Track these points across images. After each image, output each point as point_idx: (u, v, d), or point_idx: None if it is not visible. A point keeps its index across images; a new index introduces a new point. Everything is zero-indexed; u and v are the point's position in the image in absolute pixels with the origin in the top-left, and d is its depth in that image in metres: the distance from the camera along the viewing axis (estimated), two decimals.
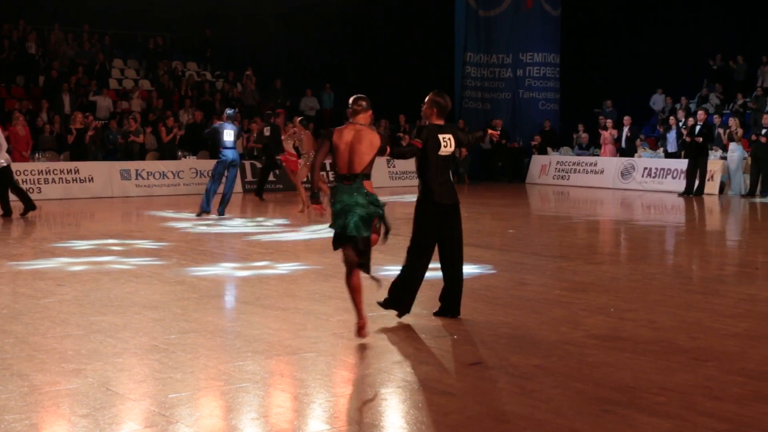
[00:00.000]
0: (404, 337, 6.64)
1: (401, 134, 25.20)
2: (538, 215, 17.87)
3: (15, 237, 13.29)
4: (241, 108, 24.66)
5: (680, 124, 22.18)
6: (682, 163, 21.41)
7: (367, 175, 6.47)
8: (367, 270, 6.44)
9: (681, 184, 21.15)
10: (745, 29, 26.27)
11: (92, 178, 20.44)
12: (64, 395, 5.12)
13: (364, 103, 6.56)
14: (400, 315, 7.15)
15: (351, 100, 6.62)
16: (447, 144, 6.97)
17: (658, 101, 26.83)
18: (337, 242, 6.52)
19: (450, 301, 7.17)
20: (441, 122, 7.04)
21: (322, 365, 5.84)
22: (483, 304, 7.79)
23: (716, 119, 23.24)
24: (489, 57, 28.49)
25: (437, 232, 6.97)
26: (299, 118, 17.32)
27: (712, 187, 20.97)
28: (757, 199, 19.86)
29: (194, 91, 25.73)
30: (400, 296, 7.07)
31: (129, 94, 24.59)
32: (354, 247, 6.38)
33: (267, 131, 20.02)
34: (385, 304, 7.15)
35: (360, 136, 6.44)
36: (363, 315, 6.40)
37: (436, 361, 5.96)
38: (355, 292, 6.41)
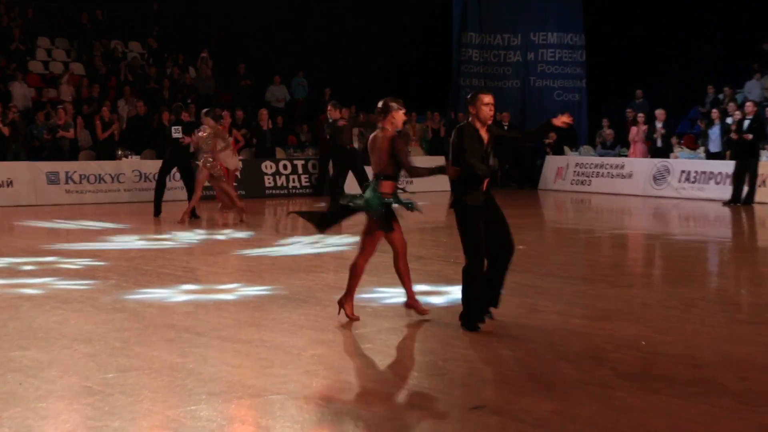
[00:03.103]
0: (392, 375, 6.62)
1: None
2: (554, 228, 17.90)
3: None
4: (194, 98, 24.66)
5: (726, 119, 22.28)
6: (728, 166, 21.49)
7: (385, 176, 8.09)
8: (318, 224, 8.47)
9: (726, 191, 21.22)
10: None
11: (11, 182, 20.35)
12: None
13: (393, 105, 8.21)
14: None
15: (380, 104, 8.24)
16: None
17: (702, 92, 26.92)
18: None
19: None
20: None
21: (292, 410, 5.81)
22: (487, 336, 7.78)
23: None
24: (493, 37, 28.58)
25: None
26: (204, 110, 17.08)
27: (764, 194, 21.06)
28: None
29: (137, 77, 25.69)
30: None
31: (57, 80, 24.52)
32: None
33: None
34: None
35: (375, 139, 8.17)
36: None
37: (430, 404, 5.95)
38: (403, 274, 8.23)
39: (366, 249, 8.27)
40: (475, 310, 7.95)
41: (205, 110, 16.98)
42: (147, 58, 27.19)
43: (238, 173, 20.39)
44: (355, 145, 24.65)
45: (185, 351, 7.33)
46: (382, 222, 8.11)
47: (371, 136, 8.25)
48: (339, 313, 8.36)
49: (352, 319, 8.22)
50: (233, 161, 18.02)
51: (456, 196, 7.93)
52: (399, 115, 8.20)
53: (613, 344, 7.51)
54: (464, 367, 6.83)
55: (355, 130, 24.57)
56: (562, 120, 8.08)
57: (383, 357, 7.14)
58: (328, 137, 18.65)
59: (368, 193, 8.13)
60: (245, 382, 6.42)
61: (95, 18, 27.31)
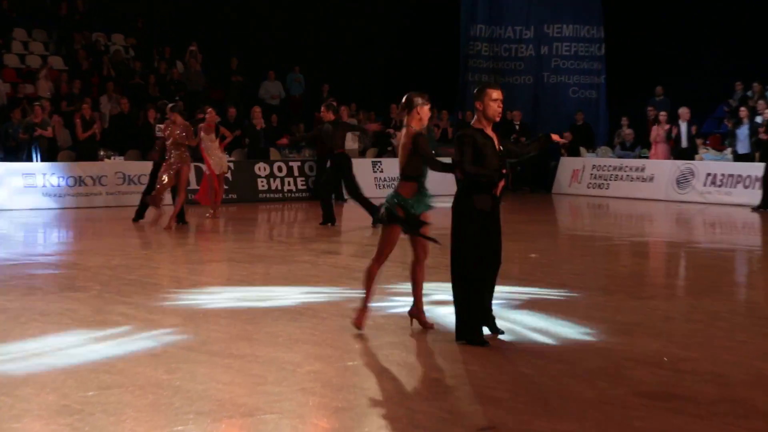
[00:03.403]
0: (394, 393, 6.61)
1: (391, 130, 25.24)
2: (569, 235, 17.90)
3: None
4: (182, 95, 24.68)
5: (756, 117, 22.26)
6: (757, 168, 21.49)
7: (406, 176, 8.19)
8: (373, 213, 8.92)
9: (756, 195, 21.23)
10: None
11: None
12: None
13: (418, 100, 8.28)
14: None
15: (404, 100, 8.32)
16: None
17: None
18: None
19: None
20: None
21: (286, 430, 5.80)
22: (496, 352, 7.77)
23: None
24: (503, 30, 28.62)
25: None
26: (170, 105, 17.07)
27: None
28: None
29: (120, 72, 25.71)
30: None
31: (34, 75, 24.55)
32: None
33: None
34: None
35: (399, 137, 8.41)
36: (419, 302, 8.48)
37: (436, 425, 5.94)
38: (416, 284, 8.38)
39: (379, 253, 8.36)
40: (477, 322, 7.94)
41: (170, 105, 16.96)
42: (131, 52, 27.22)
43: (228, 175, 20.42)
44: (355, 146, 24.74)
45: (172, 367, 7.32)
46: (404, 225, 8.15)
47: (399, 134, 8.38)
48: (411, 324, 8.53)
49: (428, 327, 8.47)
50: (221, 163, 18.03)
51: (461, 198, 7.92)
52: (424, 111, 8.23)
53: (632, 361, 7.50)
54: (472, 385, 6.82)
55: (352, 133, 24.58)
56: (563, 138, 8.11)
57: (385, 373, 7.13)
58: (314, 141, 18.60)
59: (389, 193, 8.26)
60: (236, 400, 6.42)
61: (75, 8, 27.36)
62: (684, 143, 23.93)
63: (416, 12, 29.39)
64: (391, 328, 8.61)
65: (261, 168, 23.19)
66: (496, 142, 7.99)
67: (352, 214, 20.26)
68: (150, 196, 16.49)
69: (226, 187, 22.05)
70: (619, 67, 28.09)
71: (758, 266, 13.91)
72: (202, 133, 17.57)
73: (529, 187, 26.41)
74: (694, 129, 24.05)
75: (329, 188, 17.55)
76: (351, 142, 24.37)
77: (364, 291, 8.39)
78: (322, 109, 17.49)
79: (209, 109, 18.43)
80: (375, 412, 6.22)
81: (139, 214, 17.27)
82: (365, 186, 23.69)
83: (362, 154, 25.35)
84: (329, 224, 16.95)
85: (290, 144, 22.42)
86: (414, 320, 8.54)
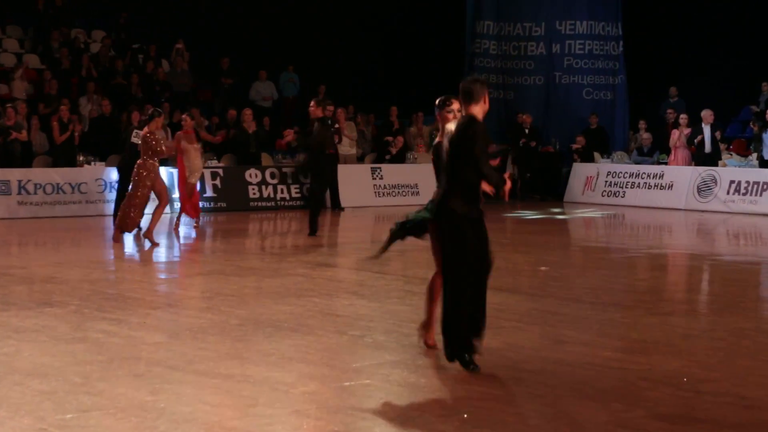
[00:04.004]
0: (394, 415, 6.62)
1: (390, 138, 25.24)
2: (582, 246, 17.91)
3: None
4: (167, 96, 24.72)
5: None
6: None
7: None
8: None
9: None
10: None
11: None
12: None
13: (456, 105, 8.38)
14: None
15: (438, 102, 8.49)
16: None
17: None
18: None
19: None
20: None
21: None
22: (505, 370, 7.78)
23: None
24: (512, 26, 28.63)
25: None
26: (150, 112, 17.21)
27: None
28: None
29: (102, 71, 25.74)
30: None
31: (9, 75, 24.58)
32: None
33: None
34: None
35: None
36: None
37: None
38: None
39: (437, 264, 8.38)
40: (463, 336, 7.87)
41: (151, 110, 16.97)
42: (113, 49, 27.22)
43: (216, 182, 20.41)
44: (353, 151, 24.76)
45: (156, 388, 7.34)
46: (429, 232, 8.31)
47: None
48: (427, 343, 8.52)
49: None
50: (194, 171, 17.83)
51: (446, 205, 7.93)
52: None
53: (649, 381, 7.51)
54: (478, 406, 6.83)
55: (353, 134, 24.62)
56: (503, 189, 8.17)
57: (385, 395, 7.14)
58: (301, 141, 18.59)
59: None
60: (225, 423, 6.43)
61: (53, 2, 27.35)
62: (707, 148, 23.80)
63: (418, 7, 29.43)
64: (391, 346, 8.63)
65: (252, 174, 23.19)
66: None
67: (348, 224, 20.29)
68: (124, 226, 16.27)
69: (214, 194, 22.11)
70: (637, 66, 28.10)
71: None
72: (184, 142, 17.59)
73: (540, 195, 26.42)
74: (718, 134, 23.98)
75: (319, 192, 17.51)
76: (349, 147, 24.41)
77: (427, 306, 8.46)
78: (311, 104, 17.28)
79: (184, 116, 18.51)
80: None
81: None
82: (365, 194, 23.86)
83: (360, 159, 25.38)
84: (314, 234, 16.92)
85: (298, 141, 22.10)
86: (422, 339, 8.52)
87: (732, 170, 23.46)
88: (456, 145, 7.83)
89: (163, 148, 15.88)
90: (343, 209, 22.67)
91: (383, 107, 26.30)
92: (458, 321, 7.84)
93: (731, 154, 24.58)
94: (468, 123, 7.84)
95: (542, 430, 6.31)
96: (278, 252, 16.54)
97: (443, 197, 7.95)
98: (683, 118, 24.33)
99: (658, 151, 25.75)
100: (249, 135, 23.36)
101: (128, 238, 16.50)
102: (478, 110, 7.93)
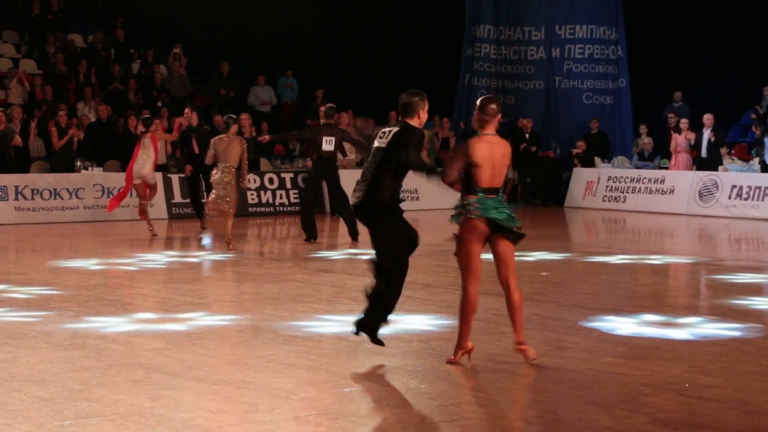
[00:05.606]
0: (395, 422, 6.63)
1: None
2: (582, 251, 17.90)
3: None
4: (165, 101, 24.71)
5: None
6: None
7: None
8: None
9: None
10: None
11: None
12: None
13: (494, 106, 8.19)
14: None
15: (479, 102, 8.24)
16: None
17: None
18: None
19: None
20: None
21: None
22: (504, 377, 7.79)
23: None
24: (511, 31, 28.62)
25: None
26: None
27: None
28: None
29: (99, 76, 25.74)
30: None
31: (4, 80, 24.58)
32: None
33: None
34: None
35: (496, 147, 8.09)
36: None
37: None
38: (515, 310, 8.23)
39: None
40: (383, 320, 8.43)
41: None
42: (111, 54, 27.21)
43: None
44: (352, 156, 24.74)
45: (155, 394, 7.34)
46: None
47: (474, 143, 8.22)
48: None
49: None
50: (141, 171, 17.92)
51: (376, 198, 8.66)
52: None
53: (651, 387, 7.52)
54: (479, 412, 6.84)
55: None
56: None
57: (385, 400, 7.14)
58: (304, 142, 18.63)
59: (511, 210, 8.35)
60: (225, 429, 6.43)
61: (49, 6, 27.34)
62: (703, 153, 23.80)
63: (417, 12, 29.40)
64: (391, 351, 8.62)
65: (251, 180, 23.15)
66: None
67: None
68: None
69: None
70: (638, 70, 28.09)
71: None
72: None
73: (540, 200, 26.42)
74: (711, 136, 23.79)
75: (310, 199, 17.51)
76: (350, 152, 24.39)
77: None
78: (321, 110, 17.44)
79: (155, 121, 18.78)
80: None
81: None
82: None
83: (359, 165, 25.35)
84: (311, 240, 16.93)
85: (277, 140, 22.12)
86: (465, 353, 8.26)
87: (734, 175, 23.46)
88: (390, 147, 8.37)
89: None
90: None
91: (382, 112, 26.26)
92: (395, 301, 8.44)
93: (733, 159, 24.59)
94: (404, 129, 8.35)
95: None
96: (277, 258, 16.54)
97: (370, 192, 8.64)
98: (684, 122, 24.31)
99: (659, 155, 25.74)
100: (247, 140, 23.28)
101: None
102: (416, 123, 8.40)
